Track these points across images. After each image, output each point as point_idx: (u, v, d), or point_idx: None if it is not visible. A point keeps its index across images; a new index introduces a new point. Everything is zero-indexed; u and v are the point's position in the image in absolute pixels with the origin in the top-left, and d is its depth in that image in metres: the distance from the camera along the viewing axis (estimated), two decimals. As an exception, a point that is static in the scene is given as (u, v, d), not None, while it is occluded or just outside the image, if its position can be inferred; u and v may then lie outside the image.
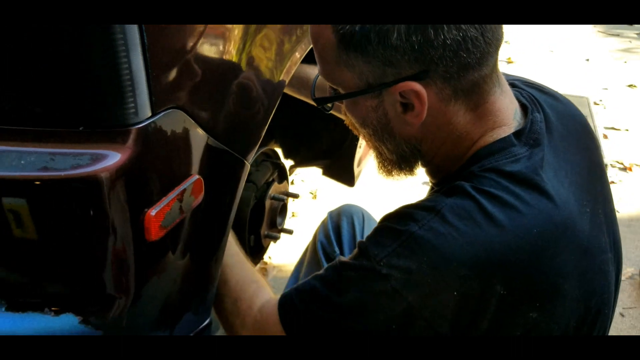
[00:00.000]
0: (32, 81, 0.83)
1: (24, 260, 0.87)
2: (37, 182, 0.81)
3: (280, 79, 1.24)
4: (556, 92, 1.14)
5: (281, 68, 1.24)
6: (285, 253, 2.50)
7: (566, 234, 0.93)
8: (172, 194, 0.92)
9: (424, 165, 1.06)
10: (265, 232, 1.60)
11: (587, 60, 4.91)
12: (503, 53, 4.93)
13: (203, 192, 1.00)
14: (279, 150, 1.86)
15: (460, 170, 0.98)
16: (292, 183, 2.97)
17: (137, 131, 0.84)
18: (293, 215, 2.77)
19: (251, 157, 1.15)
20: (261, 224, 1.56)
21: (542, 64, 4.78)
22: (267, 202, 1.56)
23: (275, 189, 1.60)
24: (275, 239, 1.64)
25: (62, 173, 0.81)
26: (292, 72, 1.28)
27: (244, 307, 1.14)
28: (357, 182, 2.19)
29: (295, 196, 1.74)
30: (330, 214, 1.83)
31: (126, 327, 0.95)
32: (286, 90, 1.36)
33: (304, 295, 1.02)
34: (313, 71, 1.06)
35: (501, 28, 0.92)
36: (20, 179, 0.81)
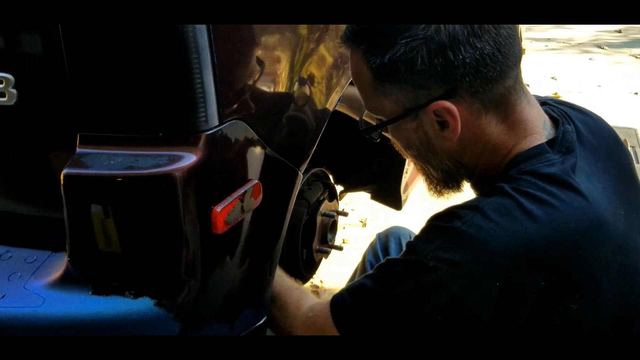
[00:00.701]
0: (121, 97, 0.99)
1: (108, 247, 1.02)
2: (120, 179, 0.97)
3: (326, 106, 1.38)
4: (586, 109, 1.22)
5: (327, 97, 1.38)
6: (337, 276, 2.61)
7: (601, 230, 1.00)
8: (235, 194, 1.06)
9: (468, 178, 1.15)
10: (317, 247, 1.71)
11: (636, 94, 4.92)
12: (550, 89, 4.99)
13: (261, 196, 1.13)
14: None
15: (500, 176, 1.06)
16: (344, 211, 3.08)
17: (206, 137, 0.99)
18: (344, 242, 2.88)
19: (303, 168, 1.28)
20: (313, 238, 1.68)
21: (590, 99, 4.81)
22: (318, 219, 1.68)
23: (325, 206, 1.72)
24: (327, 253, 1.76)
25: (145, 172, 0.96)
26: (336, 101, 1.41)
27: (292, 309, 1.26)
28: (407, 210, 2.28)
29: (345, 214, 1.86)
30: (379, 235, 1.93)
31: (193, 312, 1.09)
32: (339, 109, 1.50)
33: (354, 292, 1.12)
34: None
35: (518, 44, 1.02)
36: (108, 176, 0.97)
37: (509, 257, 0.96)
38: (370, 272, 1.11)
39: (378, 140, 1.25)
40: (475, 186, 1.17)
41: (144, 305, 1.04)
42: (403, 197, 2.22)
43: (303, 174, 1.38)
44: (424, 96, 1.01)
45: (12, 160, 1.17)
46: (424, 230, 1.06)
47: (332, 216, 1.74)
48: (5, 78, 1.04)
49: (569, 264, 0.98)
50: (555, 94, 4.88)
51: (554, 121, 1.11)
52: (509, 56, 1.00)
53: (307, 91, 1.30)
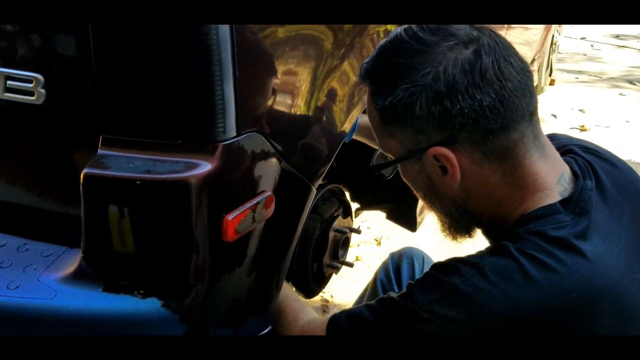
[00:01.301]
0: (145, 104, 1.03)
1: (121, 246, 1.05)
2: (138, 182, 1.00)
3: (345, 124, 1.40)
4: (616, 157, 1.16)
5: (347, 115, 1.41)
6: (347, 293, 2.62)
7: (606, 299, 0.96)
8: (248, 204, 1.09)
9: (477, 225, 1.13)
10: (328, 262, 1.73)
11: (665, 132, 4.87)
12: (578, 121, 4.97)
13: (274, 208, 1.16)
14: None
15: (507, 231, 1.04)
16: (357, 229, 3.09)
17: (223, 147, 1.03)
18: (357, 259, 2.89)
19: (317, 183, 1.31)
20: (324, 253, 1.70)
21: (617, 134, 4.78)
22: (331, 234, 1.70)
23: (339, 222, 1.74)
24: (337, 269, 1.78)
25: (162, 176, 0.99)
26: (356, 118, 1.44)
27: (289, 319, 1.29)
28: (422, 232, 2.26)
29: (358, 232, 1.87)
30: (392, 255, 1.94)
31: (199, 316, 1.11)
32: (356, 137, 1.52)
33: (353, 319, 1.14)
34: None
35: (528, 97, 1.00)
36: (126, 179, 1.00)
37: (504, 321, 0.95)
38: (371, 302, 1.12)
39: (389, 178, 1.27)
40: (485, 234, 1.15)
41: (151, 305, 1.07)
42: (418, 219, 2.22)
43: (319, 189, 1.39)
44: (424, 141, 1.01)
45: (36, 156, 1.21)
46: (425, 278, 1.05)
47: (345, 232, 1.75)
48: (36, 78, 1.09)
49: (567, 333, 0.96)
50: (582, 126, 4.86)
51: (575, 175, 1.07)
52: (514, 110, 0.98)
53: (327, 109, 1.32)
